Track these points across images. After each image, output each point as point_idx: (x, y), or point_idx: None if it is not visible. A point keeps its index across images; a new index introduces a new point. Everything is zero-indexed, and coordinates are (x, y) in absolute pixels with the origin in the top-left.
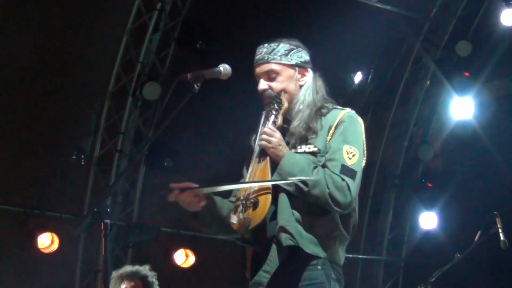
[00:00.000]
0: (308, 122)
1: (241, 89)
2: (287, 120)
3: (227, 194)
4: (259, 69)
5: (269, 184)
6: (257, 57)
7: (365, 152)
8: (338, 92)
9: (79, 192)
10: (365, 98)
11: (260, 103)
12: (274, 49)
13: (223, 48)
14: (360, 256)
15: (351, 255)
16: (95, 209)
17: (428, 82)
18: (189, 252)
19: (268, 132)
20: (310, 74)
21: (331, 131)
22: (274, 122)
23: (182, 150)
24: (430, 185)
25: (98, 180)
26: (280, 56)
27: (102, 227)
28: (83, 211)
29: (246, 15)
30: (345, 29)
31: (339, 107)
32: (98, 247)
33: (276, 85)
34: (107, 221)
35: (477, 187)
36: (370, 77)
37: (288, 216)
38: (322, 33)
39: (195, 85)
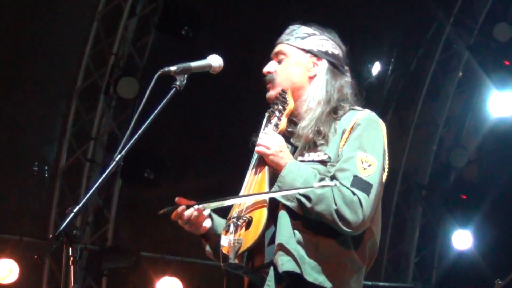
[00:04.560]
0: (319, 124)
1: (235, 85)
2: (293, 122)
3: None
4: (274, 50)
5: (267, 197)
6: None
7: (387, 162)
8: None
9: (42, 211)
10: (384, 93)
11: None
12: (293, 31)
13: (213, 35)
14: (382, 284)
15: (370, 283)
16: (62, 231)
17: (461, 74)
18: (175, 280)
19: (267, 136)
20: (324, 65)
21: (345, 136)
22: (276, 125)
23: (165, 159)
24: (464, 197)
25: (65, 196)
26: (296, 38)
27: (71, 253)
28: (48, 233)
29: None
30: (359, 10)
31: (357, 108)
32: (66, 276)
33: (280, 69)
34: (77, 245)
35: None
36: (390, 67)
37: (288, 237)
38: (329, 15)
39: (180, 80)
